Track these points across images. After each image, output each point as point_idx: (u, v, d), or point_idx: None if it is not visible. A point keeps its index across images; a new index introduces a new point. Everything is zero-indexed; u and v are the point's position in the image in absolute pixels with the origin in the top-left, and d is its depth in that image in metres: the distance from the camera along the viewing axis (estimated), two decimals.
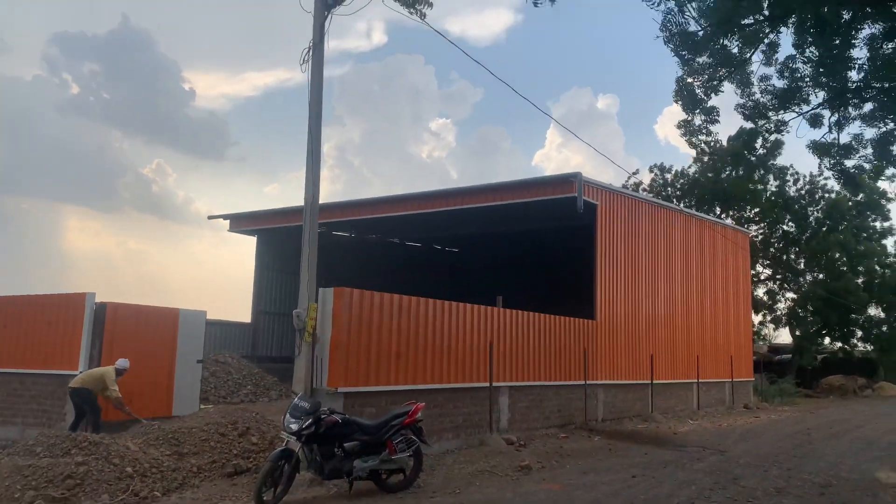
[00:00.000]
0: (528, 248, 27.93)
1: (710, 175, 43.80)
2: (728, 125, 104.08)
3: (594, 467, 11.18)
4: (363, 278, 29.02)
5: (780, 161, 42.88)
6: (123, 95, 78.21)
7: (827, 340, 44.07)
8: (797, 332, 43.10)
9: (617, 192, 18.23)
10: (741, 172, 43.45)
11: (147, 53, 76.19)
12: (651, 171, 45.72)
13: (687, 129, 11.89)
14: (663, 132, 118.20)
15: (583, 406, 15.85)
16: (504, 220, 19.93)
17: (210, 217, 23.26)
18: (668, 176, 45.89)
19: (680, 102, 11.64)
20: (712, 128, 12.18)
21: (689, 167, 45.34)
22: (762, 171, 43.45)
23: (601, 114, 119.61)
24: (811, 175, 43.08)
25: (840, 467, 11.75)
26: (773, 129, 13.20)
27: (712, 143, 44.31)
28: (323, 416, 8.26)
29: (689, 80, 11.28)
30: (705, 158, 44.28)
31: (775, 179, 43.49)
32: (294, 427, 8.07)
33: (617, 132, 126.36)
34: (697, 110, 11.60)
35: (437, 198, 18.63)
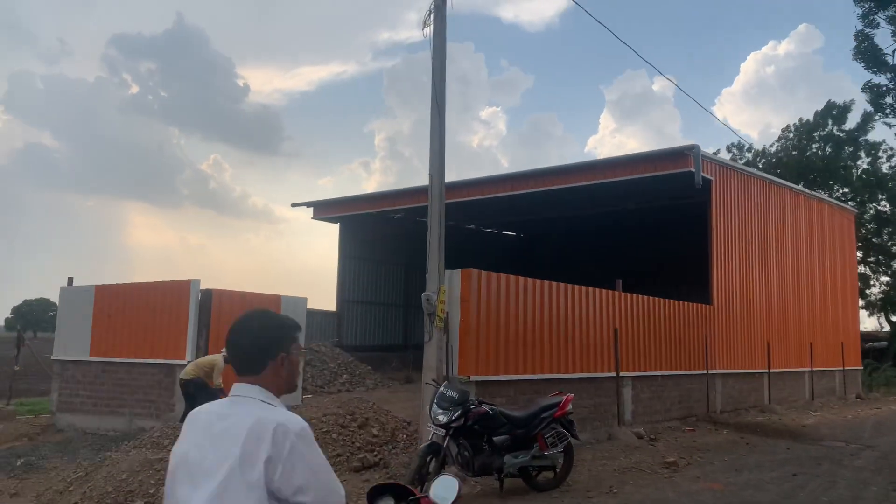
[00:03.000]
0: (630, 230, 25.99)
1: (794, 153, 41.72)
2: (816, 102, 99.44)
3: (743, 464, 10.20)
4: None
5: (872, 136, 40.64)
6: (180, 93, 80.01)
7: None
8: (893, 318, 40.73)
9: (730, 167, 16.98)
10: (829, 150, 41.29)
11: (202, 51, 77.47)
12: (729, 150, 43.65)
13: (873, 92, 10.57)
14: (722, 113, 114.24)
15: (703, 397, 14.79)
16: (607, 200, 18.77)
17: (294, 205, 22.84)
18: (748, 155, 43.77)
19: (861, 61, 10.40)
20: None
21: (771, 146, 43.33)
22: (852, 148, 41.16)
23: (657, 96, 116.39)
24: None
25: None
26: None
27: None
28: (472, 407, 7.53)
29: (871, 32, 10.05)
30: (790, 135, 42.19)
31: (867, 156, 41.08)
32: (442, 419, 7.37)
33: (673, 114, 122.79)
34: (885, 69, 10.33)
35: (533, 178, 17.66)
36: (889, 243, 41.17)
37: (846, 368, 22.67)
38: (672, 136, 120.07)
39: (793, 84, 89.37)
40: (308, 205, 22.86)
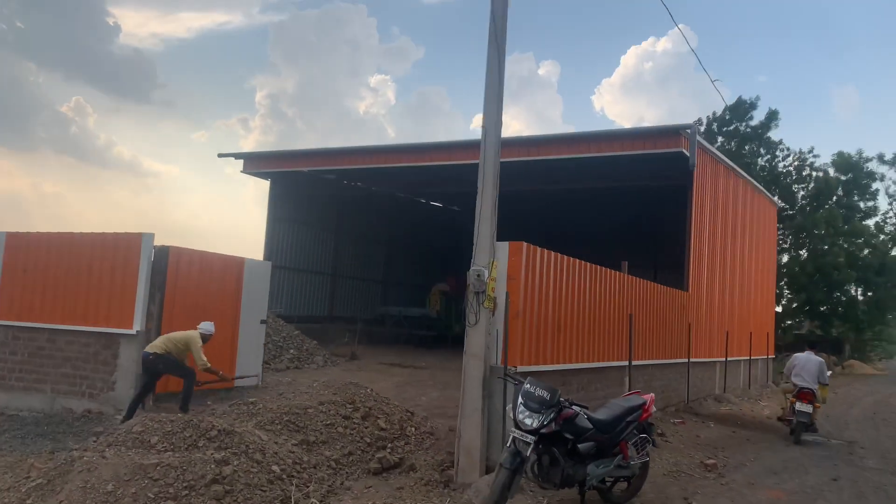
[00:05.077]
0: (596, 208, 25.10)
1: None
2: (685, 100, 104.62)
3: (771, 465, 9.67)
4: (395, 238, 26.68)
5: (772, 135, 42.57)
6: (39, 25, 71.70)
7: (805, 319, 44.32)
8: (777, 310, 43.23)
9: (707, 150, 16.52)
10: (733, 145, 42.95)
11: None
12: None
13: None
14: (600, 103, 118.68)
15: (680, 386, 14.36)
16: (592, 176, 17.74)
17: (220, 155, 20.40)
18: None
19: None
20: None
21: None
22: (754, 145, 43.03)
23: (542, 81, 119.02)
24: (801, 151, 42.82)
25: None
26: None
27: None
28: (563, 408, 6.30)
29: None
30: (701, 128, 43.42)
31: (766, 153, 43.05)
32: (531, 423, 6.08)
33: (556, 100, 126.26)
34: None
35: (513, 146, 16.42)
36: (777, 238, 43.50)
37: (769, 357, 23.43)
38: (553, 122, 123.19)
39: (666, 81, 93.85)
40: (237, 156, 20.51)
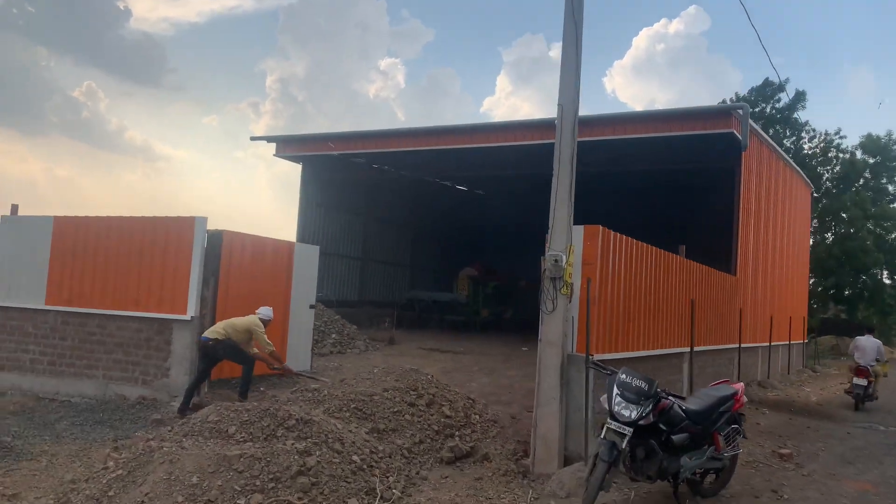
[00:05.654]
0: (634, 193, 24.48)
1: None
2: (697, 82, 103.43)
3: (841, 454, 9.41)
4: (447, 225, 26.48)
5: (799, 116, 41.83)
6: (50, 10, 71.39)
7: (833, 302, 43.78)
8: None
9: (755, 132, 16.10)
10: (758, 127, 42.30)
11: None
12: None
13: None
14: (611, 85, 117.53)
15: (731, 373, 14.09)
16: (628, 159, 17.34)
17: (253, 138, 20.18)
18: None
19: None
20: None
21: None
22: (780, 127, 42.32)
23: (553, 63, 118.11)
24: (826, 133, 42.09)
25: None
26: None
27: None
28: (660, 399, 6.06)
29: None
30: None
31: (791, 135, 42.35)
32: (629, 414, 5.84)
33: None
34: None
35: (550, 128, 16.09)
36: None
37: (803, 342, 23.12)
38: None
39: (678, 63, 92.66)
40: (269, 139, 20.28)
